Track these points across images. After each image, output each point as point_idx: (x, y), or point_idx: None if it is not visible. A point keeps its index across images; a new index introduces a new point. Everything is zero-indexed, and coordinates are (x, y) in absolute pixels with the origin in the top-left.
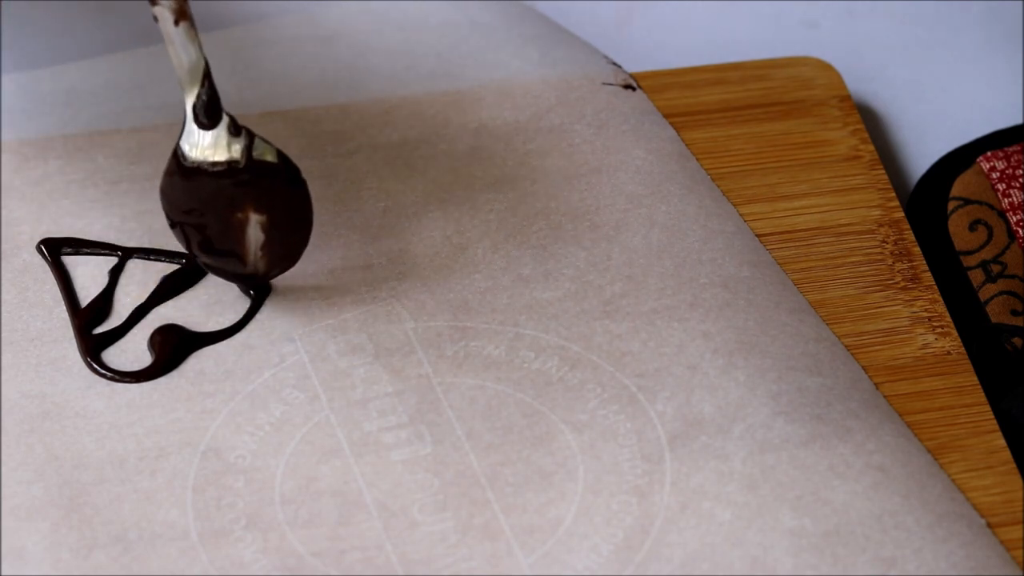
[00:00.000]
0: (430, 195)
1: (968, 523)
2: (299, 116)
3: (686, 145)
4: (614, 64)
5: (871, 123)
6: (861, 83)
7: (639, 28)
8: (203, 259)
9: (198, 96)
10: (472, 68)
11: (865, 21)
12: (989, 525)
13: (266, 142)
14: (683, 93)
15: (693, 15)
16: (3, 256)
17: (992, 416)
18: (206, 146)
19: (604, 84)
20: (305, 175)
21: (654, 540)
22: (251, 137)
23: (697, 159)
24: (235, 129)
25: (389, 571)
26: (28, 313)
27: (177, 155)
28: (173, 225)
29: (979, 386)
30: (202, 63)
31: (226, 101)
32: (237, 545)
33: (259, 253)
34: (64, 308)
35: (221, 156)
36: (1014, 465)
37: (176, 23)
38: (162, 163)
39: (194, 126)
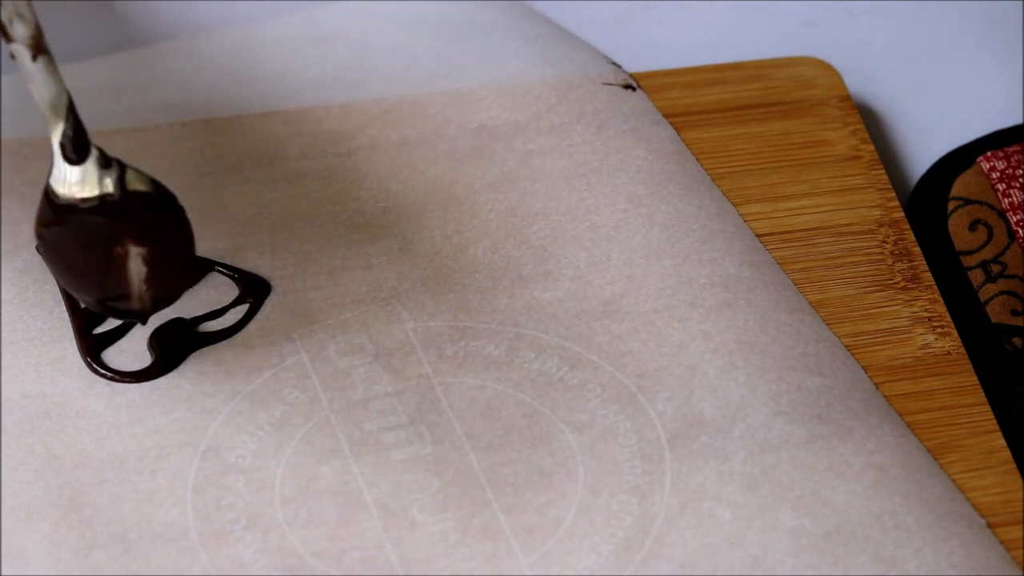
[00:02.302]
0: (430, 195)
1: (968, 523)
2: (299, 116)
3: (686, 145)
4: (614, 64)
5: (871, 123)
6: (861, 83)
7: (639, 28)
8: (88, 300)
9: (63, 132)
10: (472, 68)
11: (865, 21)
12: (989, 525)
13: (139, 172)
14: (683, 93)
15: (693, 15)
16: (3, 256)
17: (992, 416)
18: (76, 182)
19: (604, 84)
20: (305, 175)
21: (654, 540)
22: (123, 168)
23: (697, 159)
24: (105, 161)
25: (389, 571)
26: (28, 313)
27: (48, 196)
28: (56, 270)
29: (979, 386)
30: (65, 97)
31: (226, 101)
32: (237, 545)
33: (143, 287)
34: (64, 308)
35: (93, 191)
36: (1014, 465)
37: (34, 58)
38: (163, 163)
39: (63, 163)
